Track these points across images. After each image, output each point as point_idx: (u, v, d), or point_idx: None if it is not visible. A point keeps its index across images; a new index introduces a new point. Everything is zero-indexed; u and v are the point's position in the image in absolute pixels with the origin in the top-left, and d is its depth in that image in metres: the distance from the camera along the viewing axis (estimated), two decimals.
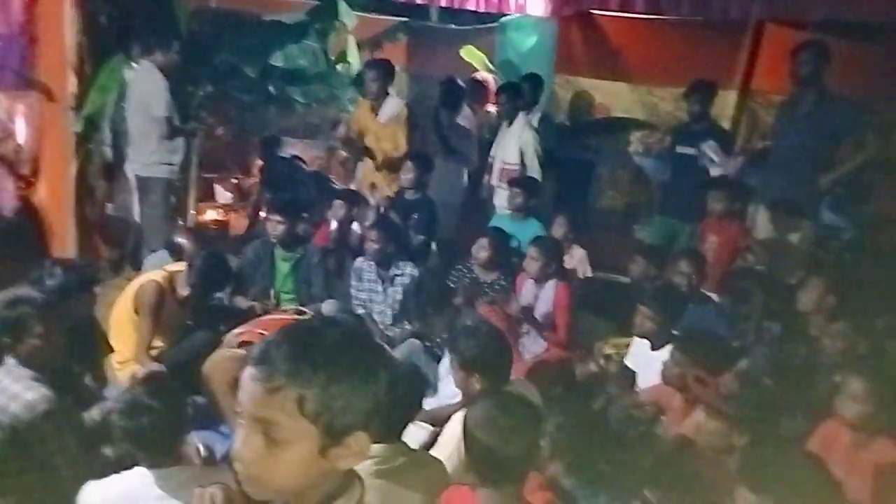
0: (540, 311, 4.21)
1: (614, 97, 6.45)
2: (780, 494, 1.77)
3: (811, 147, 4.42)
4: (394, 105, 5.34)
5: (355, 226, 5.02)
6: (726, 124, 5.77)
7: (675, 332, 3.36)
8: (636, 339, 3.68)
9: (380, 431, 2.04)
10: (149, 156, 4.96)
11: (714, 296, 4.22)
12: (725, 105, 5.81)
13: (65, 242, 5.10)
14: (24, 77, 5.41)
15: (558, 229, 4.93)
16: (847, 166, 4.50)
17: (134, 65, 4.98)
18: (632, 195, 6.55)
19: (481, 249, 4.41)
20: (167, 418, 2.21)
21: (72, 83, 4.84)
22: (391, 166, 5.28)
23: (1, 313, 2.53)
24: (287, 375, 1.03)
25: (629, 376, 3.51)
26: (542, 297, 4.22)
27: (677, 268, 3.96)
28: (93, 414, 2.90)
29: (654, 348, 3.41)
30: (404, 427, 2.25)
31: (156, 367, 3.64)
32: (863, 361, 3.08)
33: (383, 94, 5.31)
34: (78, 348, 3.12)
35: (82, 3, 4.80)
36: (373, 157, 5.37)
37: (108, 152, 5.32)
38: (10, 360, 2.53)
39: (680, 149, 5.26)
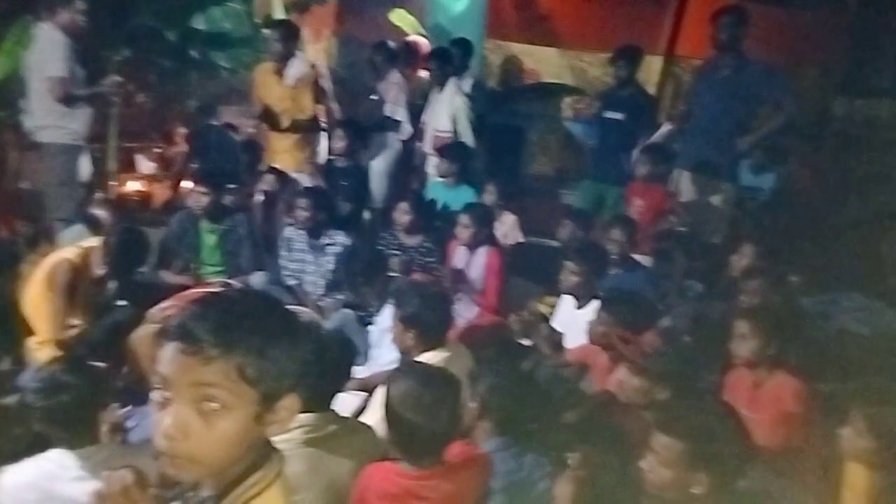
0: (471, 276, 4.25)
1: (544, 62, 6.49)
2: (692, 436, 1.86)
3: (730, 111, 4.55)
4: (299, 66, 5.18)
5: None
6: (652, 89, 5.88)
7: (600, 292, 3.45)
8: (562, 300, 3.78)
9: (309, 400, 2.07)
10: (48, 120, 4.68)
11: (639, 257, 4.34)
12: (651, 70, 5.92)
13: None
14: None
15: (489, 196, 4.96)
16: (764, 129, 4.67)
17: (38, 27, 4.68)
18: (562, 160, 6.64)
19: (402, 213, 4.41)
20: (84, 396, 2.15)
21: None
22: (298, 129, 5.15)
23: None
24: (221, 345, 1.04)
25: (557, 337, 3.59)
26: (474, 262, 4.26)
27: (610, 235, 4.07)
28: (9, 399, 2.78)
29: (579, 307, 3.50)
30: (334, 395, 2.25)
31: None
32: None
33: (288, 56, 5.15)
34: None
35: None
36: (277, 121, 5.22)
37: (18, 121, 5.02)
38: None
39: (607, 114, 5.35)
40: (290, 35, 5.15)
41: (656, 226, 4.69)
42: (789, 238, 5.02)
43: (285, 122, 5.15)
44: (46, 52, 4.53)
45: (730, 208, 4.80)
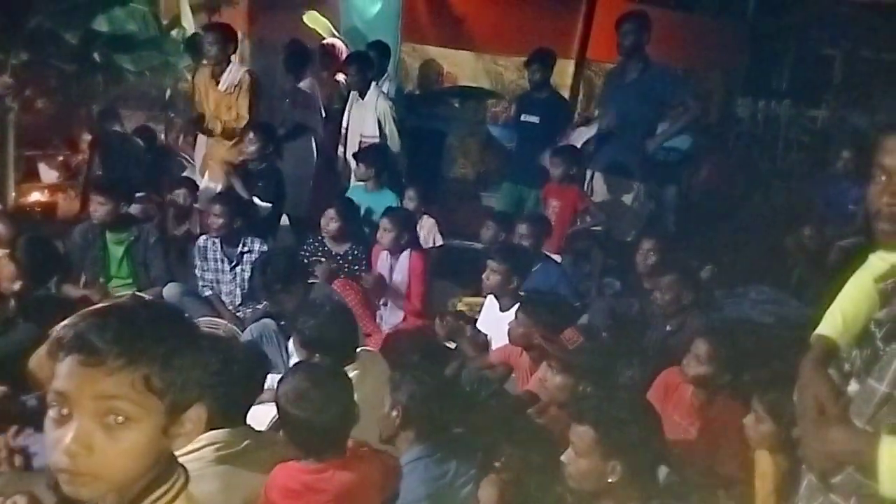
0: (395, 281, 4.23)
1: (461, 66, 6.53)
2: (603, 423, 1.92)
3: (638, 113, 4.70)
4: (235, 72, 5.06)
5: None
6: (565, 93, 6.01)
7: (520, 293, 3.49)
8: (486, 303, 3.81)
9: (221, 414, 2.00)
10: None
11: (556, 257, 4.42)
12: (564, 74, 6.05)
13: None
14: None
15: (410, 200, 4.95)
16: (670, 130, 4.85)
17: None
18: (482, 163, 6.70)
19: (330, 220, 4.35)
20: None
21: None
22: (231, 136, 5.03)
23: None
24: (125, 355, 1.00)
25: (481, 338, 3.62)
26: (397, 267, 4.24)
27: (520, 231, 4.13)
28: None
29: (502, 310, 3.54)
30: (248, 409, 2.18)
31: None
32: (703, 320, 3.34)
33: (225, 60, 5.03)
34: None
35: None
36: (210, 128, 5.08)
37: None
38: None
39: (524, 117, 5.44)
40: (224, 39, 5.00)
41: (573, 225, 4.80)
42: (699, 234, 5.24)
43: (218, 129, 5.00)
44: None
45: (641, 207, 4.95)
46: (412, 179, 5.40)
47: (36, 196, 6.49)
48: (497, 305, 3.65)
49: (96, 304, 3.22)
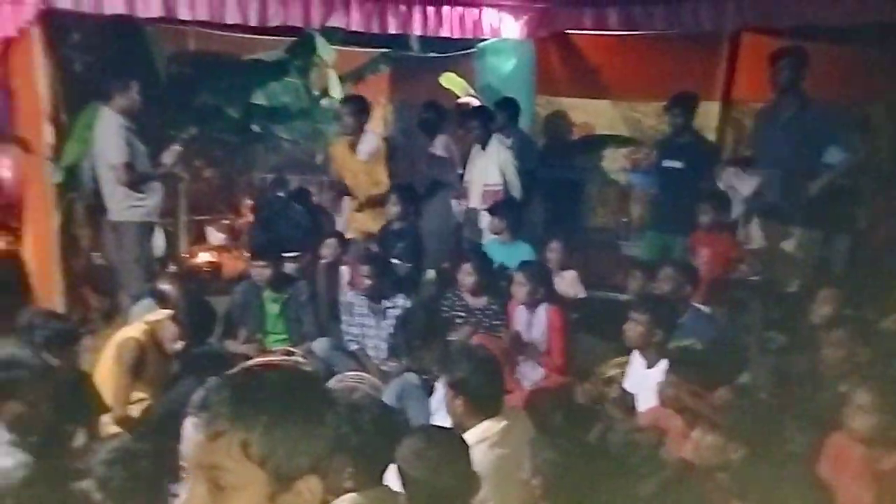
0: (534, 337, 4.13)
1: (597, 115, 6.43)
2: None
3: (796, 153, 4.38)
4: (371, 141, 5.31)
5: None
6: (711, 136, 5.74)
7: (668, 347, 3.28)
8: (632, 359, 3.61)
9: (358, 475, 2.00)
10: (118, 201, 4.89)
11: (705, 308, 4.14)
12: (709, 116, 5.79)
13: (52, 293, 5.02)
14: (3, 130, 5.41)
15: (550, 253, 4.87)
16: (834, 171, 4.46)
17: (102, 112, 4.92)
18: (622, 212, 6.50)
19: (466, 275, 4.36)
20: (145, 472, 2.13)
21: (48, 134, 4.78)
22: (373, 203, 5.23)
23: None
24: (229, 420, 1.02)
25: (628, 399, 3.42)
26: (535, 322, 4.14)
27: (664, 275, 3.92)
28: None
29: (648, 366, 3.34)
30: (384, 469, 2.16)
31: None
32: (867, 369, 2.99)
33: (360, 130, 5.27)
34: (70, 405, 3.00)
35: (54, 53, 4.77)
36: (354, 195, 5.32)
37: (91, 201, 5.25)
38: None
39: (666, 163, 5.25)
40: (360, 110, 5.29)
41: (726, 275, 4.50)
42: (874, 283, 4.72)
43: (361, 197, 5.25)
44: (107, 138, 4.75)
45: (805, 254, 4.56)
46: (550, 231, 5.33)
47: (204, 257, 7.06)
48: (643, 362, 3.45)
49: (252, 358, 3.41)
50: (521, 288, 4.08)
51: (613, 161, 6.48)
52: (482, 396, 2.58)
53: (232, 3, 4.96)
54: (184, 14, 4.83)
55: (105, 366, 3.69)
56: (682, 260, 4.48)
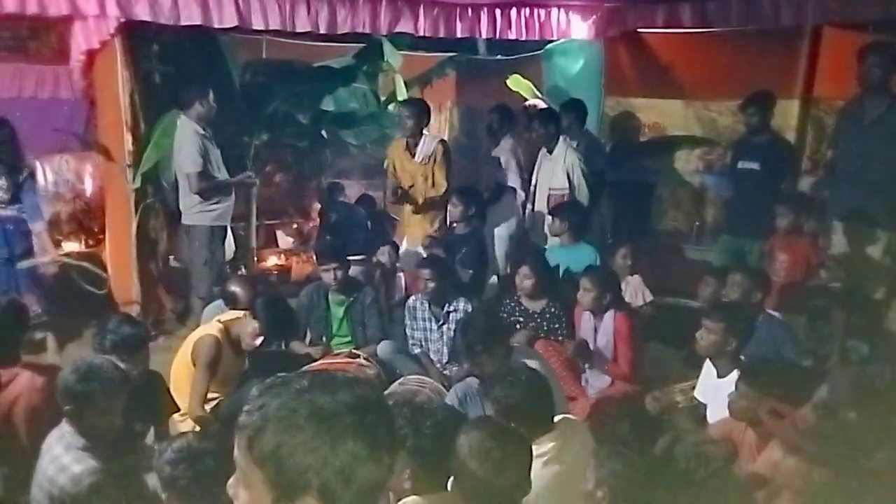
0: (599, 344, 4.03)
1: (669, 115, 6.24)
2: None
3: (882, 153, 4.13)
4: (429, 143, 5.31)
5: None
6: (790, 135, 5.49)
7: (741, 357, 3.14)
8: (705, 369, 3.47)
9: (423, 481, 1.99)
10: (190, 206, 5.07)
11: (777, 314, 3.94)
12: (788, 115, 5.53)
13: (129, 294, 5.24)
14: (87, 139, 5.69)
15: (618, 257, 4.76)
16: None
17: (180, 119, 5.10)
18: (694, 215, 6.29)
19: (524, 278, 4.30)
20: (216, 469, 2.15)
21: (128, 142, 5.00)
22: (430, 205, 5.23)
23: (71, 384, 2.47)
24: (249, 415, 1.04)
25: (698, 410, 3.29)
26: (601, 329, 4.04)
27: (732, 282, 3.76)
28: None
29: (720, 375, 3.20)
30: (448, 474, 2.13)
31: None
32: None
33: (418, 133, 5.29)
34: (141, 406, 3.06)
35: (134, 64, 4.98)
36: (412, 197, 5.33)
37: (167, 205, 5.46)
38: (66, 427, 2.48)
39: (742, 164, 5.05)
40: (419, 112, 5.31)
41: (806, 281, 4.28)
42: None
43: (419, 199, 5.27)
44: (183, 147, 4.94)
45: (893, 259, 4.29)
46: (618, 235, 5.21)
47: (273, 260, 7.24)
48: (714, 371, 3.31)
49: (318, 360, 3.44)
50: (587, 294, 3.99)
51: (686, 162, 6.27)
52: (531, 420, 2.47)
53: (302, 11, 5.06)
54: (257, 23, 4.96)
55: (181, 365, 3.80)
56: (752, 265, 4.29)
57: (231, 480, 1.08)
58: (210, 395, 3.80)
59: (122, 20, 4.63)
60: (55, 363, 3.98)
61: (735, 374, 2.90)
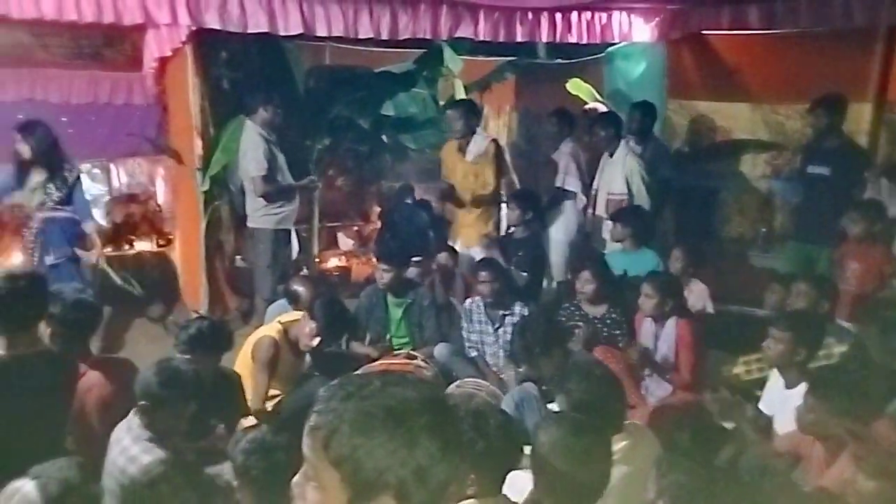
0: (661, 352, 3.96)
1: (734, 119, 6.10)
2: None
3: None
4: (480, 142, 5.31)
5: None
6: (863, 139, 5.28)
7: (810, 368, 3.04)
8: (770, 379, 3.38)
9: (477, 484, 2.00)
10: (255, 209, 5.22)
11: (848, 325, 3.80)
12: (860, 119, 5.33)
13: (197, 293, 5.42)
14: (159, 143, 5.91)
15: (675, 262, 4.67)
16: None
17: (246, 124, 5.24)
18: (761, 221, 6.12)
19: (585, 283, 4.25)
20: (290, 458, 2.22)
21: (198, 146, 5.18)
22: (480, 204, 5.22)
23: (153, 384, 2.56)
24: (324, 415, 1.04)
25: (763, 420, 3.20)
26: (663, 336, 3.97)
27: (797, 291, 3.65)
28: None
29: (788, 386, 3.10)
30: (504, 477, 2.14)
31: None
32: None
33: (469, 133, 5.30)
34: (213, 401, 3.13)
35: (204, 71, 5.16)
36: (461, 197, 5.34)
37: (234, 207, 5.63)
38: (134, 419, 2.58)
39: (811, 169, 4.90)
40: (468, 113, 5.34)
41: (877, 291, 4.11)
42: None
43: (468, 198, 5.28)
44: (248, 151, 5.08)
45: None
46: (680, 240, 5.11)
47: (334, 262, 7.37)
48: (782, 382, 3.22)
49: (377, 360, 3.48)
50: (648, 300, 3.92)
51: (753, 167, 6.11)
52: (603, 416, 2.45)
53: (365, 18, 5.15)
54: (321, 30, 5.07)
55: (242, 363, 3.92)
56: (818, 274, 4.15)
57: (297, 478, 1.09)
58: (272, 392, 3.92)
59: (193, 28, 4.80)
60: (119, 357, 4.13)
61: (804, 387, 2.81)
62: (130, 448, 2.50)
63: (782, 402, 3.13)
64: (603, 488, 1.97)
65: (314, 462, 1.05)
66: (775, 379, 3.31)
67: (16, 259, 5.40)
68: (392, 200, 7.24)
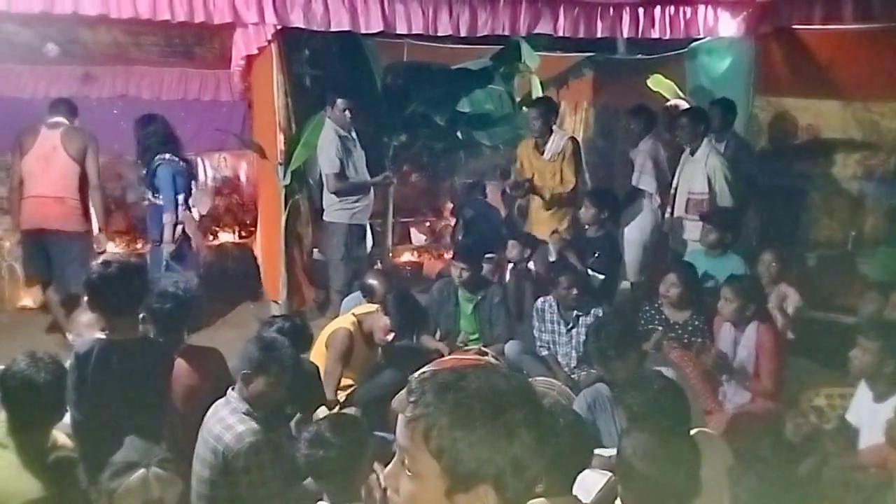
0: (740, 358, 3.83)
1: (825, 116, 5.82)
2: None
3: None
4: (558, 140, 5.26)
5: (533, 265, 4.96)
6: None
7: None
8: (858, 390, 3.23)
9: (547, 484, 1.99)
10: (330, 203, 5.34)
11: None
12: None
13: (276, 285, 5.60)
14: (244, 138, 6.12)
15: (764, 266, 4.49)
16: None
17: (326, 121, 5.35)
18: (852, 224, 5.82)
19: (671, 286, 4.13)
20: (347, 453, 2.29)
21: (280, 141, 5.34)
22: (559, 203, 5.18)
23: (253, 352, 2.73)
24: (422, 407, 1.07)
25: (850, 433, 3.07)
26: (743, 341, 3.84)
27: (893, 302, 3.46)
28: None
29: (877, 399, 2.96)
30: (574, 478, 2.12)
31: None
32: None
33: (547, 131, 5.26)
34: (296, 389, 3.26)
35: (288, 69, 5.31)
36: (540, 195, 5.30)
37: (313, 202, 5.78)
38: (232, 393, 2.74)
39: None
40: (548, 111, 5.30)
41: None
42: None
43: (546, 196, 5.25)
44: (324, 147, 5.21)
45: None
46: (766, 243, 4.92)
47: (407, 256, 7.48)
48: (870, 394, 3.07)
49: (447, 356, 3.51)
50: (728, 304, 3.79)
51: (843, 167, 5.82)
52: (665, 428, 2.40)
53: (444, 15, 5.19)
54: (401, 28, 5.14)
55: (318, 353, 4.03)
56: None
57: (390, 469, 1.12)
58: (346, 383, 4.02)
59: (279, 27, 4.95)
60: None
61: (894, 400, 2.67)
62: (227, 418, 2.65)
63: (871, 414, 2.99)
64: (694, 495, 1.92)
65: (413, 452, 1.07)
66: (863, 391, 3.16)
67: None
68: (464, 197, 7.26)
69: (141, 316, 2.93)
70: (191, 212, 5.25)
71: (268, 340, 2.81)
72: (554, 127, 5.35)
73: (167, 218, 5.08)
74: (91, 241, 5.02)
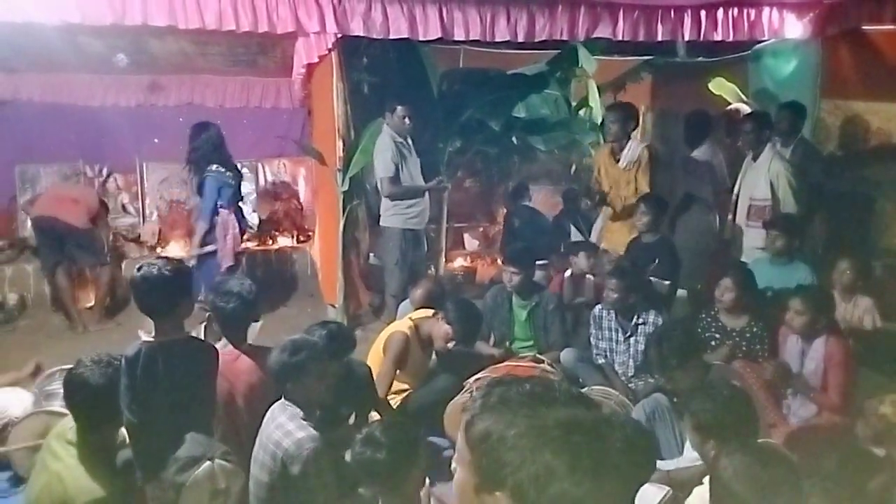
0: (808, 370, 3.70)
1: (895, 120, 5.59)
2: None
3: None
4: (635, 148, 5.16)
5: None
6: None
7: None
8: None
9: (607, 500, 1.95)
10: (385, 209, 5.39)
11: None
12: None
13: (333, 289, 5.68)
14: (304, 145, 6.24)
15: (838, 275, 4.32)
16: None
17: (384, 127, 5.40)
18: None
19: (726, 291, 4.03)
20: (397, 455, 2.30)
21: (339, 147, 5.41)
22: (630, 212, 5.10)
23: (284, 360, 2.77)
24: (471, 401, 1.14)
25: None
26: (810, 353, 3.71)
27: None
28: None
29: None
30: (636, 493, 2.08)
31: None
32: None
33: (624, 137, 5.17)
34: (347, 392, 3.33)
35: (347, 76, 5.39)
36: (612, 204, 5.23)
37: (370, 208, 5.84)
38: (286, 400, 2.77)
39: None
40: (627, 116, 5.21)
41: None
42: None
43: (617, 205, 5.19)
44: (380, 153, 5.25)
45: None
46: (834, 251, 4.74)
47: (460, 262, 7.49)
48: None
49: (501, 362, 3.49)
50: (798, 316, 3.66)
51: None
52: (732, 438, 2.33)
53: (502, 21, 5.18)
54: (458, 34, 5.16)
55: (374, 356, 4.07)
56: None
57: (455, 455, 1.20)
58: (402, 387, 4.04)
59: (339, 36, 5.03)
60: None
61: None
62: (286, 424, 2.68)
63: None
64: None
65: (460, 441, 1.14)
66: None
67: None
68: (510, 202, 7.23)
69: (206, 314, 2.99)
70: (239, 221, 5.50)
71: (292, 345, 2.82)
72: (633, 134, 5.25)
73: (199, 226, 5.44)
74: None
